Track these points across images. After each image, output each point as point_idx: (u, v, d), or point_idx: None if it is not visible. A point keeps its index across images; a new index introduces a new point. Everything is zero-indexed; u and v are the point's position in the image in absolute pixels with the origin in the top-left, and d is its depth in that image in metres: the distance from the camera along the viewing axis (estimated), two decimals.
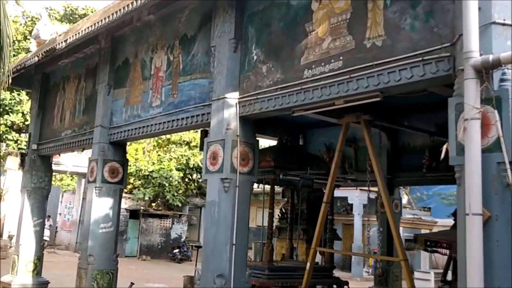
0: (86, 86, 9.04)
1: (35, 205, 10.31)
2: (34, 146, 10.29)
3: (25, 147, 16.25)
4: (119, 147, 8.16)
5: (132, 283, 8.10)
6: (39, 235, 10.27)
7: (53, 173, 28.30)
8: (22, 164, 10.11)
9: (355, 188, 16.38)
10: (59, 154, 9.99)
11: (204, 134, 9.91)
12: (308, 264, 6.21)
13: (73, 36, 7.71)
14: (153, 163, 21.87)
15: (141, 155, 25.91)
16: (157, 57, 7.25)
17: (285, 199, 10.21)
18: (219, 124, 5.69)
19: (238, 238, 5.45)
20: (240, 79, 5.75)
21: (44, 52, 8.65)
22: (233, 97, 5.69)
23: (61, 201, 27.20)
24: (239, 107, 5.64)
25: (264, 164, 7.33)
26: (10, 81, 7.56)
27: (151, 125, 7.12)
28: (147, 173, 21.27)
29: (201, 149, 11.79)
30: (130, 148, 25.81)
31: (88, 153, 24.88)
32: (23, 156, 10.18)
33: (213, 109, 5.83)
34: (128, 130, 7.60)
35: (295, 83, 5.04)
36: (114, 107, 8.03)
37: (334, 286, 8.68)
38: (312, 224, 8.52)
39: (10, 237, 19.71)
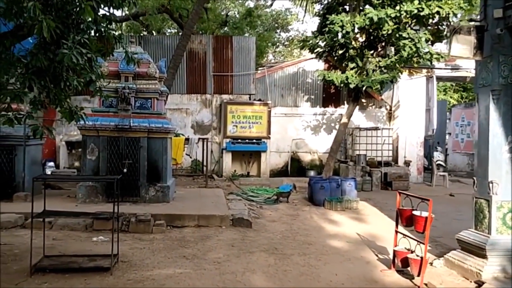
0: None
1: (506, 116, 5.94)
2: (498, 13, 5.80)
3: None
4: None
5: None
6: None
7: (443, 82, 23.66)
8: (479, 47, 5.73)
9: None
10: None
11: None
12: None
13: None
14: None
15: None
16: None
17: None
18: None
19: None
20: None
21: None
22: None
23: (449, 118, 22.86)
24: None
25: None
26: None
27: None
28: None
29: None
30: None
31: None
32: (479, 32, 5.76)
33: None
34: None
35: None
36: None
37: None
38: None
39: (407, 163, 16.62)
